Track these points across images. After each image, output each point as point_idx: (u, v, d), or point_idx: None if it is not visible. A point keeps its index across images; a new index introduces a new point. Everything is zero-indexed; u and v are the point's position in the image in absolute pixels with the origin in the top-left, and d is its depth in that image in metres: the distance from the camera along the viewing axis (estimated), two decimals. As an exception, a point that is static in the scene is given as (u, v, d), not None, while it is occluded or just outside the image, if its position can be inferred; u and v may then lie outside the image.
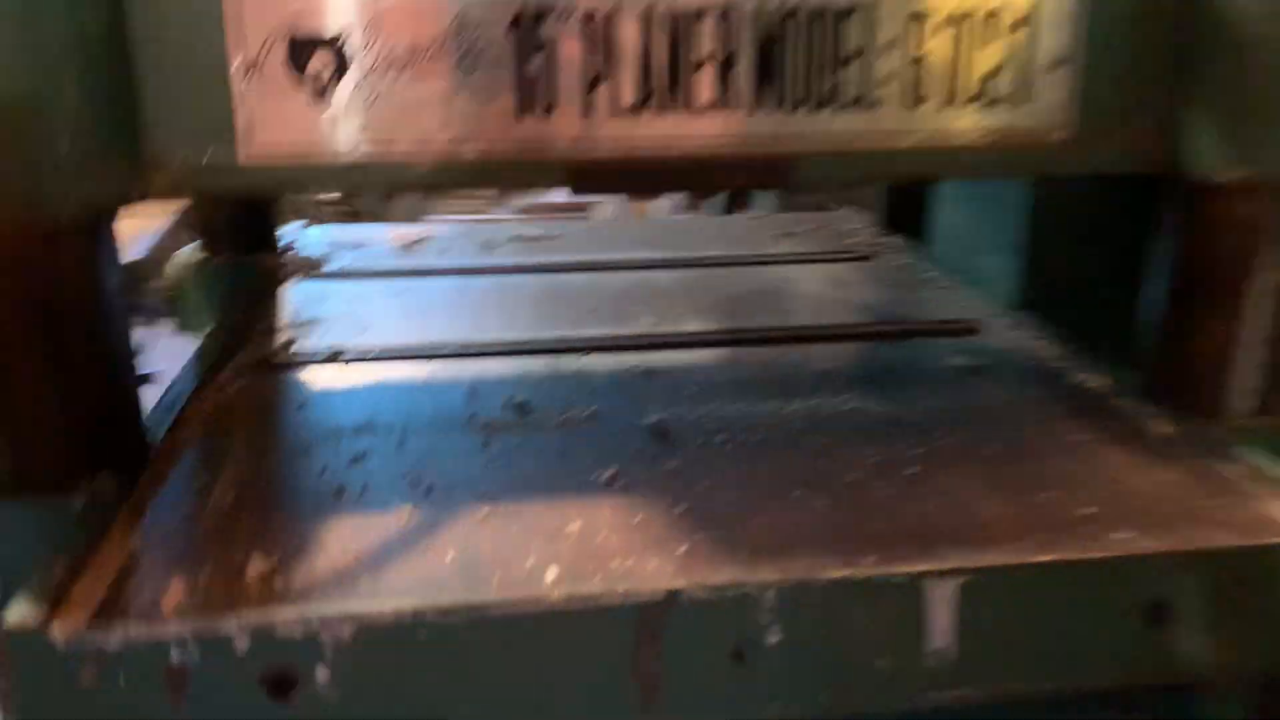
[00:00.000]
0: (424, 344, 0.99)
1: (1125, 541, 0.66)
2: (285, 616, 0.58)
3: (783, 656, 0.63)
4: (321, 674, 0.59)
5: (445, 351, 0.97)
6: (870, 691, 0.65)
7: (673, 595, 0.61)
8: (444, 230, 1.40)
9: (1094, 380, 0.90)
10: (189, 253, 1.24)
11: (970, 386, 0.92)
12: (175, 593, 0.60)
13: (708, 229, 1.38)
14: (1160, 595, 0.66)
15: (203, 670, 0.58)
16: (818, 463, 0.77)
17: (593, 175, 0.74)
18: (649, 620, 0.61)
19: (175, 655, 0.58)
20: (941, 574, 0.63)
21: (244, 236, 1.24)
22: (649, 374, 0.93)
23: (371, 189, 0.71)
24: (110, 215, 0.70)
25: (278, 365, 0.94)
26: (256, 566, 0.62)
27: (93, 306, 0.68)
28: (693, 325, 1.05)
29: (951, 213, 1.25)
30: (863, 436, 0.81)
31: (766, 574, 0.62)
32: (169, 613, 0.58)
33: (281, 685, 0.59)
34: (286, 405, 0.86)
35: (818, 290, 1.21)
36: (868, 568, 0.63)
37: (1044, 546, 0.65)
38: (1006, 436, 0.81)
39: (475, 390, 0.88)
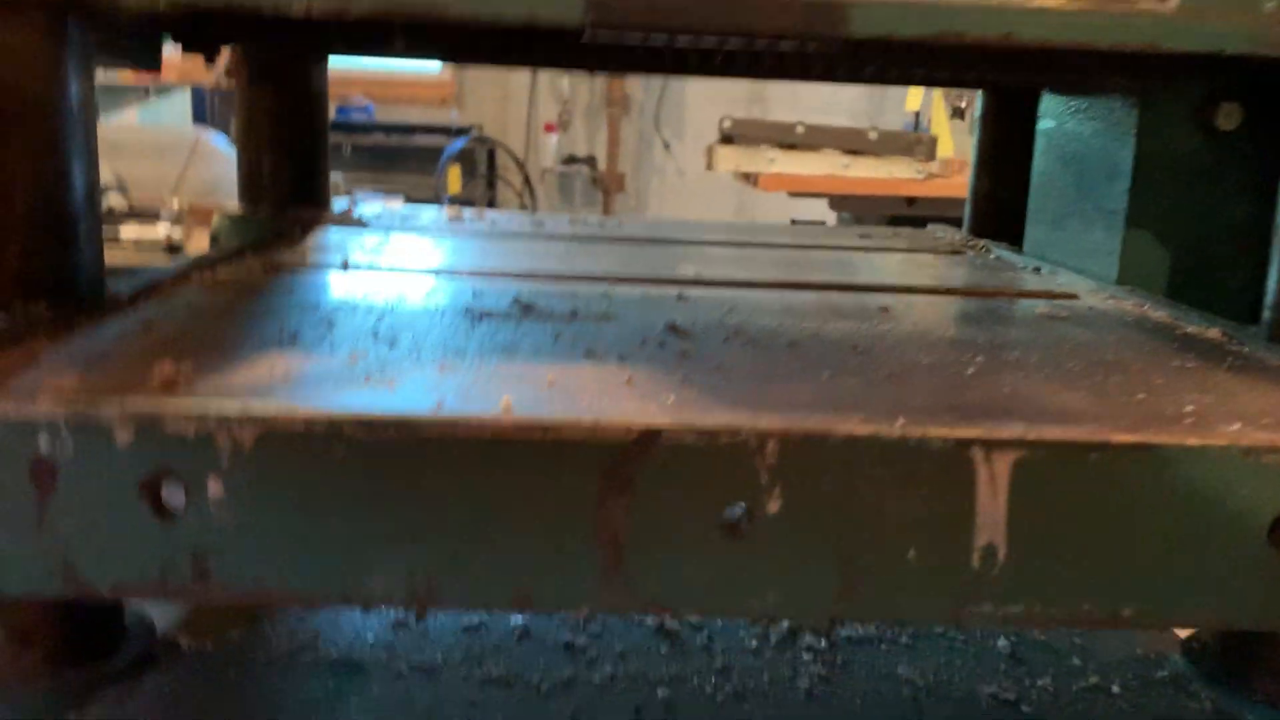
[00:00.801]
0: (441, 265, 0.90)
1: (1242, 433, 0.51)
2: (178, 409, 0.48)
3: (784, 531, 0.50)
4: (214, 487, 0.48)
5: (461, 270, 0.88)
6: (894, 589, 0.51)
7: (650, 435, 0.49)
8: (501, 215, 1.33)
9: (1207, 331, 0.76)
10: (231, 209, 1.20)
11: (1060, 326, 0.78)
12: (62, 383, 0.51)
13: (783, 230, 1.28)
14: (1288, 506, 0.51)
15: (75, 465, 0.48)
16: (854, 358, 0.64)
17: (615, 10, 0.65)
18: (619, 464, 0.49)
19: (44, 443, 0.48)
20: (994, 444, 0.50)
21: (287, 191, 1.19)
22: (681, 299, 0.82)
23: None
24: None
25: (279, 267, 0.86)
26: (164, 370, 0.53)
27: (45, 115, 0.62)
28: (742, 275, 0.94)
29: (1046, 206, 1.12)
30: (916, 345, 0.68)
31: (770, 422, 0.50)
32: (45, 396, 0.49)
33: (163, 495, 0.48)
34: (274, 289, 0.78)
35: (895, 265, 1.08)
36: (899, 428, 0.50)
37: (1132, 430, 0.51)
38: (1096, 358, 0.67)
39: (480, 292, 0.79)
